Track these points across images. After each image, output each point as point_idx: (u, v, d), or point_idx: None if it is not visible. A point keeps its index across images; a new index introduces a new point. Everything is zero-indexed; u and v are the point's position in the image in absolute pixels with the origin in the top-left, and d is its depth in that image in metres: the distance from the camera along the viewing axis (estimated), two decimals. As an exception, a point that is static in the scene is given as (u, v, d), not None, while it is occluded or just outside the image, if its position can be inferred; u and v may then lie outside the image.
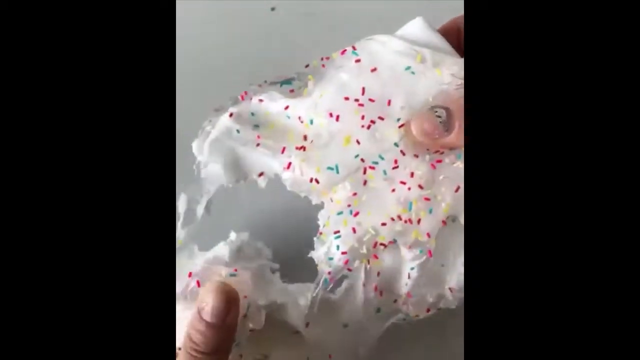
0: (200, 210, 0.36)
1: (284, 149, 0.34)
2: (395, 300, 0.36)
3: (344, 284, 0.36)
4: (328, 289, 0.35)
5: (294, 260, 0.36)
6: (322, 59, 0.35)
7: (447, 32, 0.36)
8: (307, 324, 0.36)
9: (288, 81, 0.36)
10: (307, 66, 0.36)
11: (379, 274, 0.35)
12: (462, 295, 0.36)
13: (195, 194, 0.36)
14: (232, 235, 0.36)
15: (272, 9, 0.45)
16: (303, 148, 0.34)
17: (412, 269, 0.34)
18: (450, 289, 0.36)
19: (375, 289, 0.35)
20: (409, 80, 0.33)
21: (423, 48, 0.33)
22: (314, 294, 0.35)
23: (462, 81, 0.33)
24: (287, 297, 0.37)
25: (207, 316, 0.32)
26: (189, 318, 0.33)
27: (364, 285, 0.35)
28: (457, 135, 0.32)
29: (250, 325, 0.35)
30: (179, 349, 0.33)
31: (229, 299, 0.32)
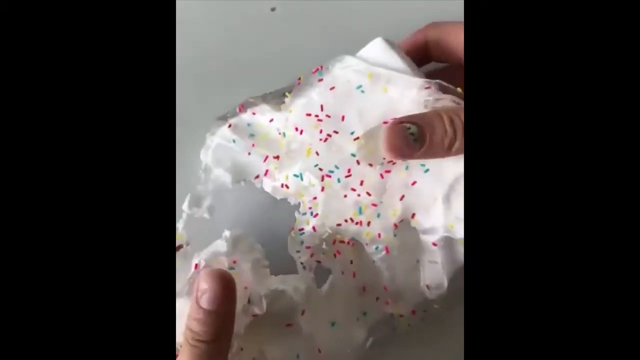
0: (202, 212, 0.41)
1: (266, 157, 0.40)
2: (378, 298, 0.39)
3: (328, 281, 0.40)
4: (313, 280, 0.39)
5: (278, 256, 0.39)
6: (319, 68, 0.39)
7: (414, 45, 0.39)
8: (302, 312, 0.38)
9: (290, 90, 0.41)
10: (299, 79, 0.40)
11: (352, 262, 0.39)
12: (439, 292, 0.39)
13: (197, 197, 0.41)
14: (227, 232, 0.39)
15: (272, 9, 0.44)
16: (277, 157, 0.39)
17: (374, 261, 0.38)
18: (426, 285, 0.39)
19: (354, 275, 0.39)
20: (360, 98, 0.37)
21: (378, 67, 0.37)
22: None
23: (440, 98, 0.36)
24: (285, 284, 0.40)
25: (205, 303, 0.32)
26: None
27: (342, 272, 0.39)
28: (427, 152, 0.34)
29: (255, 310, 0.36)
30: (180, 346, 0.33)
31: (225, 284, 0.32)
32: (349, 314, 0.39)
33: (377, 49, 0.38)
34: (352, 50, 0.39)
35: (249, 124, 0.41)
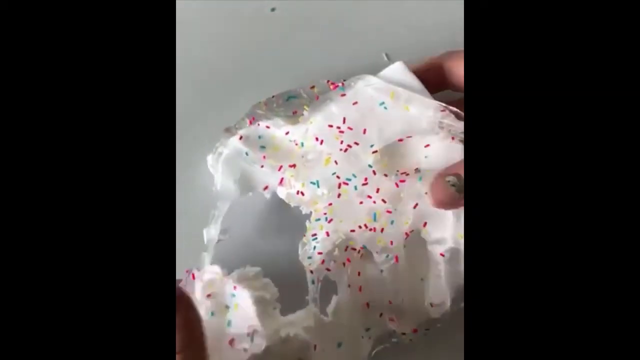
0: (213, 231, 0.40)
1: (280, 166, 0.41)
2: (381, 315, 0.40)
3: (333, 301, 0.40)
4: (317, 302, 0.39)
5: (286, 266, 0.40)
6: (327, 82, 0.41)
7: (428, 68, 0.42)
8: (315, 346, 0.38)
9: (294, 96, 0.42)
10: (312, 87, 0.42)
11: (359, 273, 0.40)
12: (444, 309, 0.40)
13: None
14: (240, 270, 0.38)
15: (272, 9, 0.45)
16: (294, 166, 0.41)
17: (381, 271, 0.39)
18: (431, 304, 0.40)
19: (360, 289, 0.40)
20: (382, 114, 0.39)
21: (398, 87, 0.40)
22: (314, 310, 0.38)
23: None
24: (295, 327, 0.38)
25: None
26: None
27: (349, 286, 0.40)
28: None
29: (254, 349, 0.36)
30: None
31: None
32: (355, 332, 0.39)
33: (397, 71, 0.41)
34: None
35: (260, 136, 0.42)
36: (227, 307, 0.37)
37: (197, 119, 0.43)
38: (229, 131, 0.42)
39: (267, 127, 0.42)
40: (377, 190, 0.39)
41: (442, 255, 0.40)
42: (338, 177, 0.39)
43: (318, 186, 0.40)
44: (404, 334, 0.40)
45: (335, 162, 0.39)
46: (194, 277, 0.37)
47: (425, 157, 0.40)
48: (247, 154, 0.42)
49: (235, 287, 0.37)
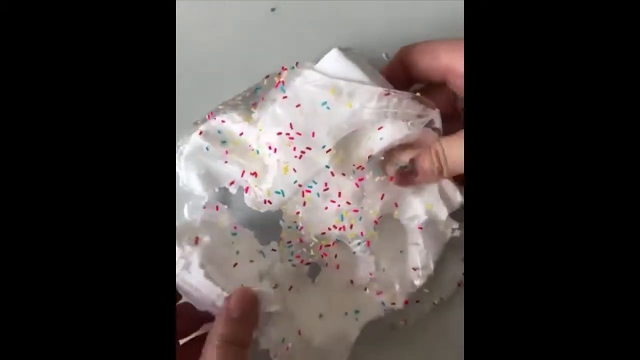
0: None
1: (243, 172, 0.41)
2: (366, 289, 0.42)
3: (318, 276, 0.43)
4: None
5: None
6: (281, 82, 0.40)
7: (392, 70, 0.40)
8: (290, 287, 0.41)
9: (259, 87, 0.42)
10: (267, 76, 0.41)
11: (336, 256, 0.42)
12: (428, 272, 0.41)
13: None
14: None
15: (273, 9, 0.44)
16: (255, 174, 0.41)
17: (354, 252, 0.42)
18: (413, 269, 0.42)
19: (337, 266, 0.42)
20: (326, 114, 0.38)
21: (339, 80, 0.38)
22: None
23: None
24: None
25: (236, 314, 0.36)
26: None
27: (326, 265, 0.42)
28: (423, 177, 0.39)
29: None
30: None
31: (250, 300, 0.37)
32: (338, 308, 0.41)
33: (334, 61, 0.39)
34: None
35: (219, 131, 0.42)
36: None
37: (196, 118, 0.43)
38: (197, 124, 0.42)
39: (223, 121, 0.42)
40: (340, 195, 0.39)
41: (420, 228, 0.41)
42: (300, 185, 0.40)
43: (283, 195, 0.40)
44: (393, 303, 0.41)
45: (294, 170, 0.39)
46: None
47: (381, 138, 0.39)
48: (207, 148, 0.42)
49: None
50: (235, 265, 0.39)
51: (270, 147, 0.40)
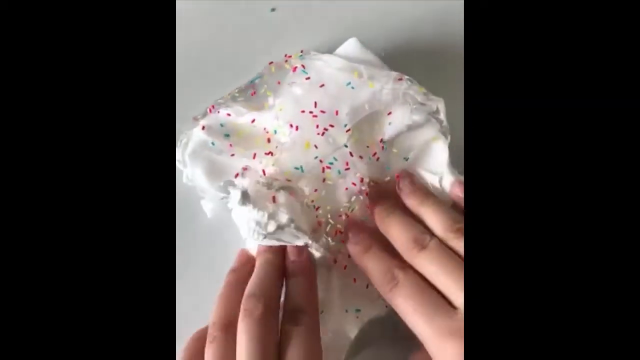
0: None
1: (254, 155, 0.42)
2: (368, 286, 0.40)
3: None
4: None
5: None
6: (285, 56, 0.42)
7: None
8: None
9: (253, 79, 0.44)
10: (270, 63, 0.43)
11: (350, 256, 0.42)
12: None
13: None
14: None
15: (273, 9, 0.45)
16: (270, 154, 0.42)
17: None
18: None
19: (344, 267, 0.41)
20: (350, 93, 0.41)
21: (359, 65, 0.42)
22: None
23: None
24: None
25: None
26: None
27: (335, 261, 0.41)
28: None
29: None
30: None
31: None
32: (338, 305, 0.40)
33: (352, 48, 0.43)
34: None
35: (222, 124, 0.43)
36: None
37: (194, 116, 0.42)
38: (196, 120, 0.42)
39: (228, 114, 0.43)
40: (361, 180, 0.41)
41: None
42: (321, 160, 0.41)
43: (302, 170, 0.41)
44: None
45: (315, 146, 0.41)
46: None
47: (389, 123, 0.43)
48: (213, 143, 0.42)
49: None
50: None
51: (291, 126, 0.41)
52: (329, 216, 0.41)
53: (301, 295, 0.36)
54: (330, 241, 0.40)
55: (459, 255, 0.34)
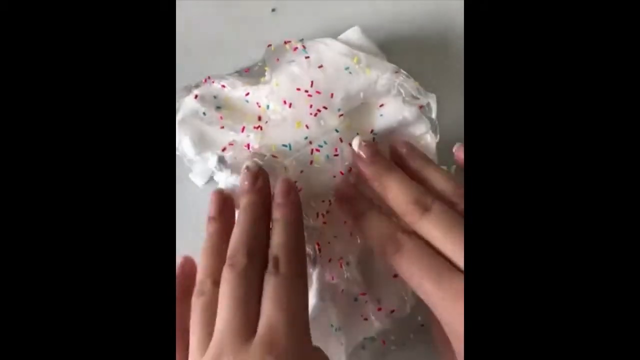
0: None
1: (243, 128, 0.41)
2: (356, 299, 0.39)
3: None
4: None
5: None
6: (302, 46, 0.42)
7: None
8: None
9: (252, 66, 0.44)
10: (269, 46, 0.43)
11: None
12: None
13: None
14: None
15: (273, 10, 0.44)
16: (260, 128, 0.41)
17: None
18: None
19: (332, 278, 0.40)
20: (347, 78, 0.41)
21: (359, 52, 0.42)
22: None
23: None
24: None
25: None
26: None
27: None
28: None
29: None
30: None
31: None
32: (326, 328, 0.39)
33: (355, 36, 0.43)
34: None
35: (215, 96, 0.42)
36: None
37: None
38: (187, 89, 0.42)
39: (223, 86, 0.42)
40: (349, 170, 0.40)
41: None
42: (310, 142, 0.41)
43: (290, 148, 0.41)
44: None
45: (307, 127, 0.41)
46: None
47: (381, 115, 0.43)
48: (204, 113, 0.41)
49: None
50: None
51: (285, 102, 0.41)
52: (312, 201, 0.40)
53: (283, 243, 0.33)
54: (311, 221, 0.40)
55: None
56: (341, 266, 0.39)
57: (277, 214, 0.35)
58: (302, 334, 0.31)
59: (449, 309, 0.31)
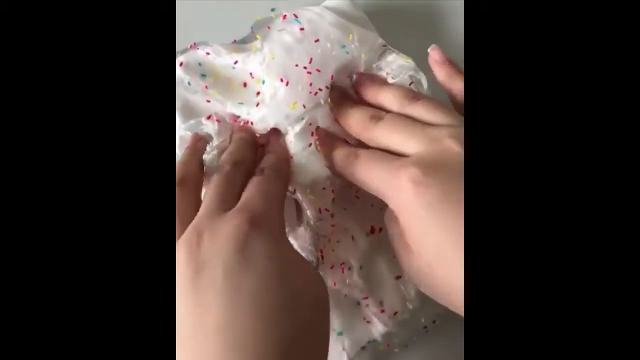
0: None
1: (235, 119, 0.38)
2: (359, 303, 0.38)
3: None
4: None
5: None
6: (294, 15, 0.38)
7: None
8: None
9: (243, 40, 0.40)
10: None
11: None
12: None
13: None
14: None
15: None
16: (258, 104, 0.37)
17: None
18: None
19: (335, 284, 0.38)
20: (343, 58, 0.38)
21: (352, 25, 0.38)
22: None
23: None
24: None
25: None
26: None
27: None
28: None
29: None
30: None
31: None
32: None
33: (345, 5, 0.40)
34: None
35: (200, 63, 0.38)
36: None
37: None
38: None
39: (207, 53, 0.39)
40: None
41: None
42: (310, 123, 0.36)
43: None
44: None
45: (304, 106, 0.36)
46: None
47: None
48: (189, 83, 0.38)
49: None
50: None
51: (282, 80, 0.35)
52: (309, 189, 0.37)
53: (270, 161, 0.35)
54: (312, 222, 0.37)
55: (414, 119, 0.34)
56: (343, 271, 0.38)
57: (267, 150, 0.36)
58: (277, 215, 0.32)
59: (394, 181, 0.31)
